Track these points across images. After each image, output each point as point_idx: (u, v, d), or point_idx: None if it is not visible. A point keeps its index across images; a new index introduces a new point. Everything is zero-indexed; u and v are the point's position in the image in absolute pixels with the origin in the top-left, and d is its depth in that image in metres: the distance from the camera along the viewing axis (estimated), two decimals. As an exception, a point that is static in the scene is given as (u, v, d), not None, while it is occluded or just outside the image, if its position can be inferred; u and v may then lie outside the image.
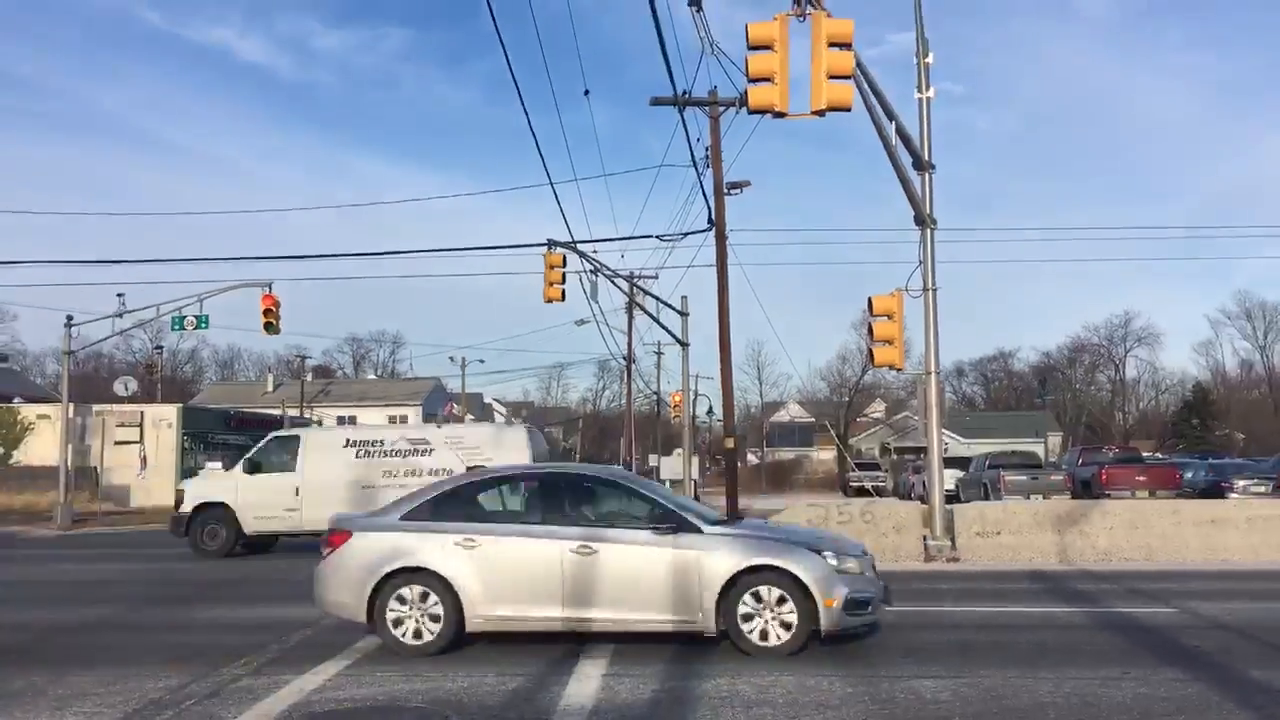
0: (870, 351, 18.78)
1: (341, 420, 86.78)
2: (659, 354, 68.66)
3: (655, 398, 72.38)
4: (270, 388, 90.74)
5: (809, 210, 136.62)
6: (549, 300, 26.60)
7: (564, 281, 27.02)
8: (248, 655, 9.54)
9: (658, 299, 36.69)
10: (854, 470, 52.93)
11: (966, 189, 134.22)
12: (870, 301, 18.04)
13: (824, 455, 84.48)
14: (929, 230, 17.64)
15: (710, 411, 74.39)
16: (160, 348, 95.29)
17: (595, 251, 31.00)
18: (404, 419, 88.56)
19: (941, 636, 10.23)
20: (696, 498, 44.86)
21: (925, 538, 17.53)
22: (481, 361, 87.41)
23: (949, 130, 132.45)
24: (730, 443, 31.12)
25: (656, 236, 33.31)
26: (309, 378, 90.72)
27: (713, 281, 30.13)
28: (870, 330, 18.35)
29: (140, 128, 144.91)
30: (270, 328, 31.37)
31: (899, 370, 19.71)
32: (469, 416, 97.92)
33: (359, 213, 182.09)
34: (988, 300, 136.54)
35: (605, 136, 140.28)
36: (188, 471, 48.24)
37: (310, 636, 10.61)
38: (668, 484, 46.23)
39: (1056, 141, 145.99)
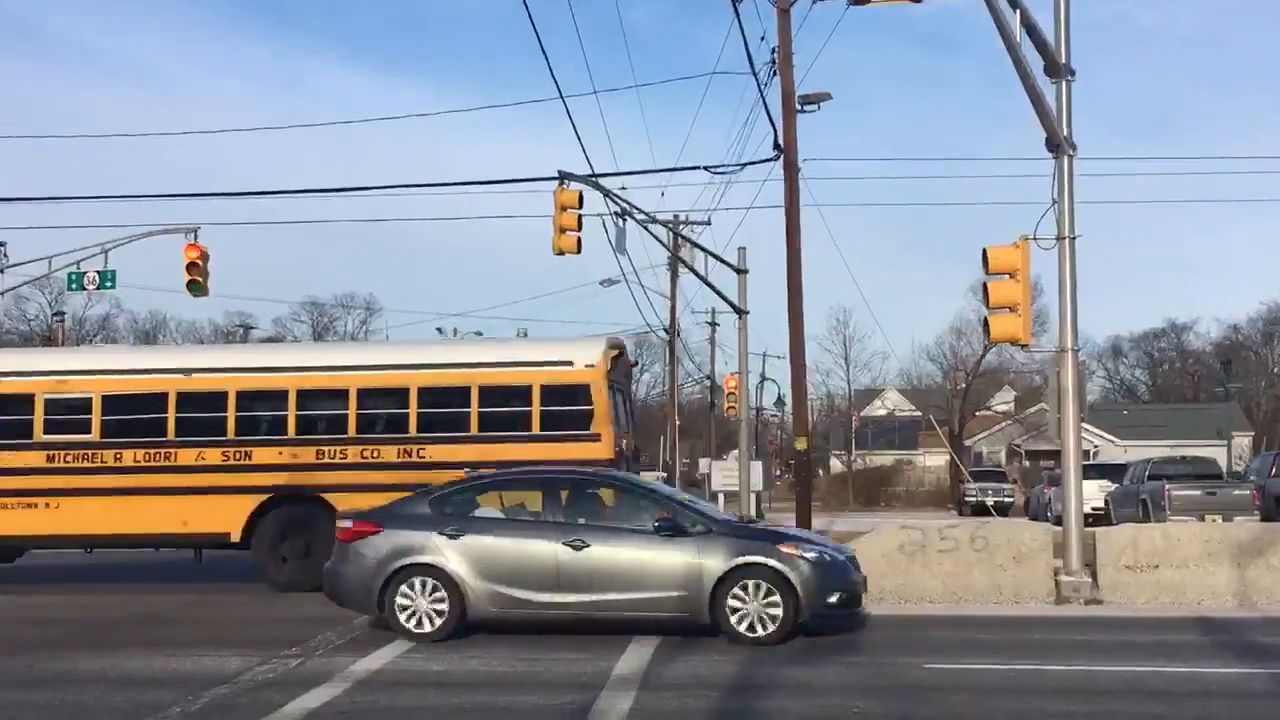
0: (986, 322, 18.56)
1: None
2: (712, 325, 68.54)
3: (708, 383, 72.27)
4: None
5: (910, 135, 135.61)
6: (560, 252, 26.39)
7: (580, 228, 26.80)
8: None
9: (708, 252, 36.51)
10: (969, 481, 52.57)
11: (1124, 106, 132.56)
12: (986, 255, 17.78)
13: (933, 460, 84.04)
14: (1066, 158, 17.38)
15: (780, 401, 74.32)
16: (61, 314, 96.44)
17: (624, 189, 30.76)
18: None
19: (1073, 705, 10.09)
20: (760, 514, 44.71)
21: (1057, 572, 17.31)
22: (479, 334, 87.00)
23: (1103, 29, 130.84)
24: (803, 443, 30.96)
25: (706, 168, 32.92)
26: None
27: (780, 228, 29.97)
28: (986, 294, 18.11)
29: (37, 25, 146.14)
30: (195, 287, 31.55)
31: (1024, 346, 19.41)
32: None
33: (316, 136, 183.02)
34: (1154, 256, 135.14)
35: (639, 35, 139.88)
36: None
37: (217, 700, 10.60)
38: (720, 497, 46.12)
39: (1249, 46, 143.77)
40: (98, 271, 34.03)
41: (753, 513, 35.53)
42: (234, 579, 21.36)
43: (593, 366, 20.02)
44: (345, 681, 11.30)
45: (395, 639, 13.89)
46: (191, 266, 31.82)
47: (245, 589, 20.76)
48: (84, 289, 35.14)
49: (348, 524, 14.32)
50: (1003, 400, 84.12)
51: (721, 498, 46.15)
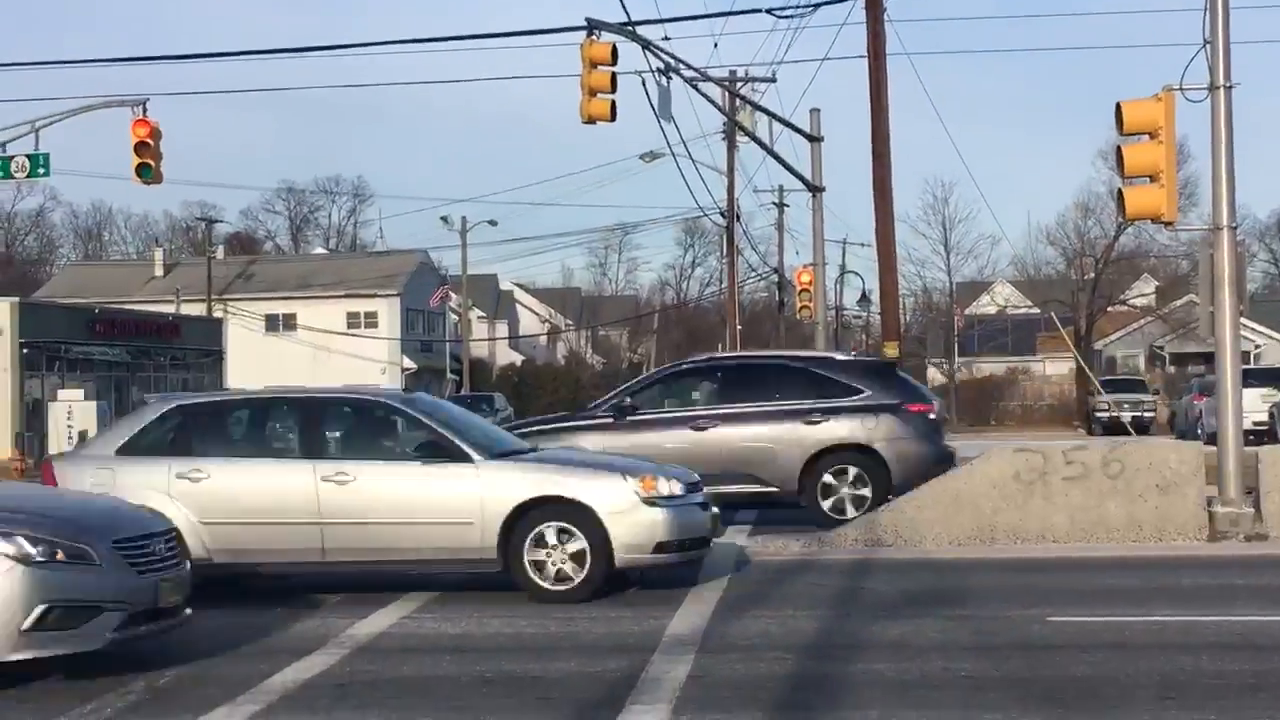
0: (1120, 195, 18.37)
1: (275, 320, 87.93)
2: (780, 206, 68.28)
3: (775, 278, 72.08)
4: (159, 271, 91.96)
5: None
6: (590, 120, 26.32)
7: (615, 90, 26.69)
8: None
9: (773, 116, 36.22)
10: (1100, 392, 52.35)
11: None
12: (1119, 111, 17.54)
13: (1055, 368, 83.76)
14: (1220, -15, 17.08)
15: (865, 299, 73.99)
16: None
17: (666, 39, 30.56)
18: (370, 317, 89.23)
19: (1232, 663, 10.14)
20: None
21: (1210, 502, 17.29)
22: (493, 224, 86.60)
23: None
24: (894, 349, 30.93)
25: (768, 11, 32.59)
26: (218, 253, 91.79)
27: (862, 84, 29.68)
28: (1120, 160, 17.91)
29: None
30: (146, 171, 31.59)
31: (1168, 224, 19.20)
32: (474, 310, 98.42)
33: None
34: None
35: None
36: (30, 406, 49.40)
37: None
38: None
39: None
40: (27, 156, 34.08)
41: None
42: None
43: None
44: (342, 647, 11.43)
45: (401, 597, 14.03)
46: (141, 147, 31.82)
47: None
48: (11, 177, 35.21)
49: None
50: (1141, 292, 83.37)
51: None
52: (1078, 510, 17.27)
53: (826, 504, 19.71)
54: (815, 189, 34.34)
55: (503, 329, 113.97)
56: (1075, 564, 15.85)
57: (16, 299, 55.52)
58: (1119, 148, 18.14)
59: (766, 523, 20.49)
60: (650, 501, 13.59)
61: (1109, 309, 77.01)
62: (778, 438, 20.16)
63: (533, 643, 11.61)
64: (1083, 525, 17.22)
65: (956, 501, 17.57)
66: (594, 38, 26.82)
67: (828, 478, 19.81)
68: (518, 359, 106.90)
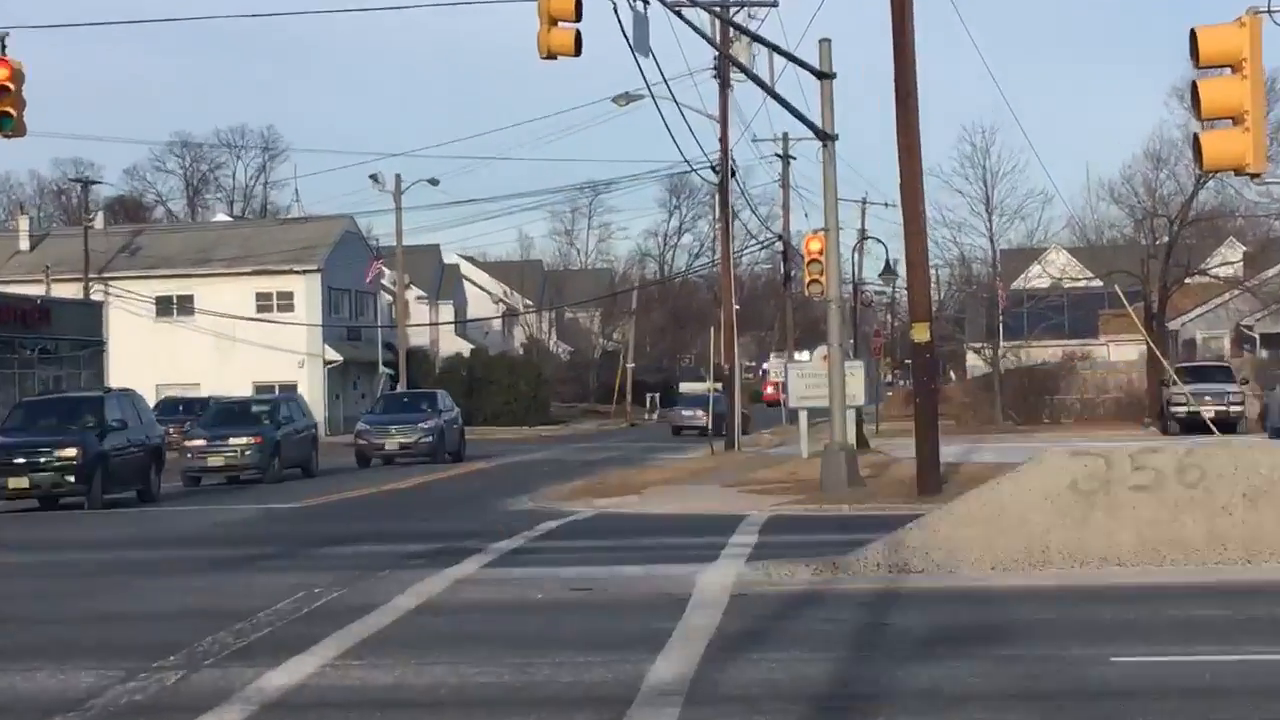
0: (1196, 141, 18.39)
1: (167, 303, 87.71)
2: (784, 159, 68.19)
3: (779, 246, 72.07)
4: (24, 244, 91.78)
5: None
6: (549, 54, 26.33)
7: (580, 18, 26.66)
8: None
9: (774, 48, 36.20)
10: (1176, 383, 52.49)
11: None
12: (1194, 39, 17.56)
13: (1121, 353, 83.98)
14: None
15: (889, 271, 74.00)
16: None
17: (642, -45, 30.47)
18: (285, 298, 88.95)
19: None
20: (862, 440, 44.84)
21: (1312, 514, 17.25)
22: (434, 183, 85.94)
23: None
24: (923, 332, 30.90)
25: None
26: (97, 222, 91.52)
27: (882, 10, 29.69)
28: (1196, 99, 17.93)
29: None
30: (5, 122, 31.42)
31: (1254, 177, 19.26)
32: (412, 289, 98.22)
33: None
34: None
35: None
36: None
37: None
38: (802, 418, 46.09)
39: None
40: None
41: (851, 439, 35.60)
42: (65, 553, 21.59)
43: None
44: (248, 704, 11.33)
45: (322, 639, 13.93)
46: (0, 91, 31.72)
47: (91, 569, 21.01)
48: None
49: None
50: (1226, 260, 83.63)
51: (803, 418, 46.19)
52: (1148, 526, 17.25)
53: None
54: (826, 136, 34.28)
55: (447, 311, 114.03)
56: (1145, 592, 15.87)
57: None
58: (1194, 84, 18.17)
59: (771, 547, 20.43)
60: None
61: (1186, 280, 77.13)
62: None
63: (482, 695, 11.55)
64: (1154, 544, 17.20)
65: (1001, 517, 17.54)
66: (554, -46, 26.82)
67: None
68: (466, 348, 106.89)
